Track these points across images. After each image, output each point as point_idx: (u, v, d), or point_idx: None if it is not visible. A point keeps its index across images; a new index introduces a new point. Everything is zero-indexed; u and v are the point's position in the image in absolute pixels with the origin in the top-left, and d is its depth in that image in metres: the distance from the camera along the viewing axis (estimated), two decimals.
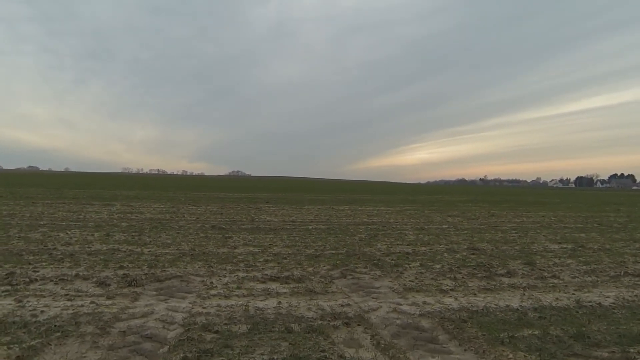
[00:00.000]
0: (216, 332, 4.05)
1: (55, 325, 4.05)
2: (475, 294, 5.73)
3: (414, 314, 4.87)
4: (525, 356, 3.42)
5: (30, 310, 4.47)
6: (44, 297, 4.99)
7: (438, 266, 7.53)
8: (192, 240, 9.70)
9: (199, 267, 6.89)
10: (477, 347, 3.82)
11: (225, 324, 4.28)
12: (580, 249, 9.87)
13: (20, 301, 4.77)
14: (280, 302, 5.14)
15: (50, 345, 3.63)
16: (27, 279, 5.73)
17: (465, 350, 3.84)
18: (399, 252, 8.77)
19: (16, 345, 3.50)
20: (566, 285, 6.31)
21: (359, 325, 4.42)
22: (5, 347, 3.47)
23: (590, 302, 5.43)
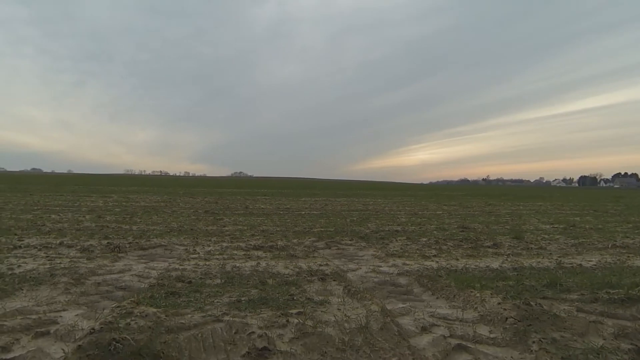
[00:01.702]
0: (189, 282, 4.06)
1: (30, 277, 4.07)
2: (457, 259, 5.72)
3: (392, 273, 4.86)
4: (491, 294, 3.40)
5: (7, 266, 4.50)
6: (24, 258, 5.02)
7: (424, 239, 7.51)
8: (183, 220, 9.73)
9: (185, 239, 6.91)
10: (448, 293, 3.81)
11: (200, 278, 4.29)
12: (571, 227, 9.82)
13: None
14: (259, 263, 5.15)
15: (22, 290, 3.65)
16: (11, 246, 5.76)
17: (437, 298, 3.84)
18: (388, 230, 8.76)
19: None
20: (550, 254, 6.29)
21: (334, 280, 4.42)
22: None
23: (571, 264, 5.41)
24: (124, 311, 2.78)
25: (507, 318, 2.90)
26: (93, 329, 2.49)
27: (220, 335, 2.65)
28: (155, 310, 2.87)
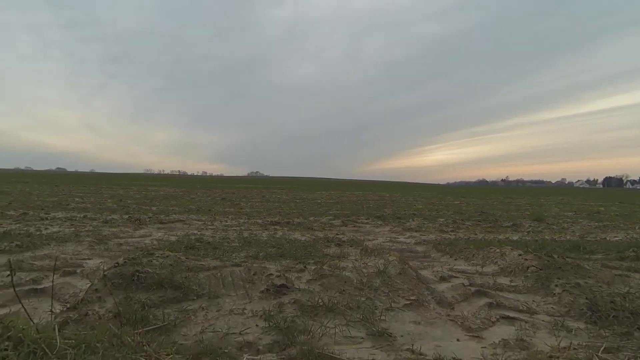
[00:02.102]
0: (207, 242, 4.13)
1: (57, 236, 4.22)
2: (475, 234, 5.62)
3: (409, 242, 4.83)
4: (511, 249, 3.33)
5: (35, 229, 4.68)
6: (51, 226, 5.20)
7: (442, 219, 7.43)
8: (201, 204, 9.88)
9: (203, 217, 7.02)
10: (467, 254, 3.76)
11: (218, 241, 4.36)
12: (595, 214, 9.52)
13: (27, 226, 4.99)
14: (276, 232, 5.19)
15: (50, 245, 3.79)
16: (39, 218, 5.98)
17: (455, 259, 3.79)
18: (404, 213, 8.69)
19: (17, 241, 3.67)
20: (573, 232, 6.11)
21: (351, 246, 4.41)
22: (7, 243, 3.64)
23: (595, 239, 5.24)
24: (146, 252, 2.85)
25: (528, 267, 2.84)
26: (117, 263, 2.57)
27: (239, 275, 2.69)
28: (176, 253, 2.93)
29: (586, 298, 2.34)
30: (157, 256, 2.83)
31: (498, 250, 3.32)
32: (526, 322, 2.08)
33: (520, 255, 3.03)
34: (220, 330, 1.91)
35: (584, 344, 1.79)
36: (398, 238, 5.12)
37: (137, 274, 2.42)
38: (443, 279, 2.94)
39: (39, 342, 1.23)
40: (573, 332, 1.95)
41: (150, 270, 2.49)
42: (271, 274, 2.73)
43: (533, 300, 2.49)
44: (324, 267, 2.84)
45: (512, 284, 2.78)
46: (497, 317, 2.16)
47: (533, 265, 2.83)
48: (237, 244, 4.22)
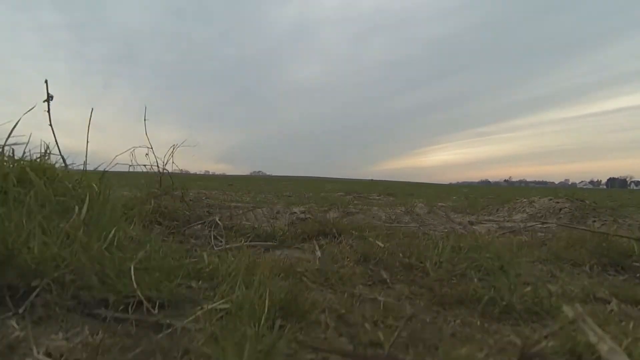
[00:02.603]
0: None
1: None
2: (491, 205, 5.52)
3: (425, 208, 4.74)
4: (540, 197, 3.23)
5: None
6: None
7: (454, 197, 7.33)
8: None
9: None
10: (491, 210, 3.67)
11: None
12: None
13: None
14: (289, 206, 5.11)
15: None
16: None
17: (478, 216, 3.69)
18: (414, 194, 8.60)
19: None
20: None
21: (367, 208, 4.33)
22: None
23: None
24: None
25: (560, 209, 2.74)
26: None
27: (262, 213, 2.62)
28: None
29: (628, 225, 2.24)
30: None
31: (525, 200, 3.22)
32: None
33: (551, 199, 2.93)
34: None
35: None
36: (414, 208, 5.04)
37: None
38: (471, 223, 2.84)
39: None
40: None
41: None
42: (294, 212, 2.65)
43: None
44: (350, 206, 2.76)
45: (545, 226, 2.68)
46: None
47: (566, 207, 2.73)
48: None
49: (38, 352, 0.53)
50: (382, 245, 1.21)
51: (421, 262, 1.06)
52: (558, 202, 2.84)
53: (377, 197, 6.94)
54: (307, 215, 2.51)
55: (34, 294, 0.70)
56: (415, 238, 1.58)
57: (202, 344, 0.59)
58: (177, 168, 2.56)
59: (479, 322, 0.79)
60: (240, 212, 2.37)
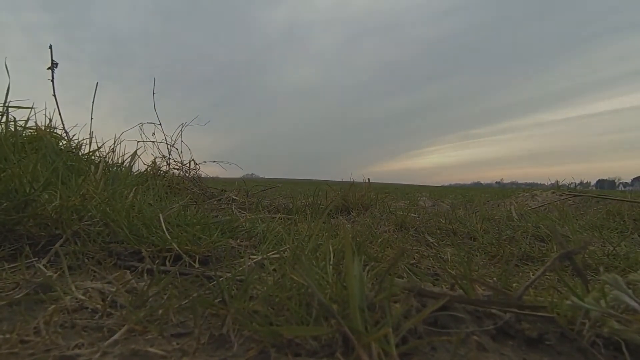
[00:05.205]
0: None
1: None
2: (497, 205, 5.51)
3: (424, 206, 4.70)
4: (541, 192, 3.20)
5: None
6: None
7: (452, 196, 7.32)
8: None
9: None
10: (491, 206, 3.63)
11: None
12: None
13: None
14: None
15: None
16: None
17: (478, 211, 3.66)
18: (412, 194, 8.58)
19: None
20: None
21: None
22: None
23: None
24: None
25: (565, 202, 2.71)
26: None
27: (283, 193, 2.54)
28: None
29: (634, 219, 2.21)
30: None
31: (527, 194, 3.19)
32: None
33: (554, 192, 2.90)
34: None
35: None
36: (417, 202, 4.99)
37: None
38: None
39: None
40: None
41: None
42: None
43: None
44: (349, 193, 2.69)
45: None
46: None
47: (570, 200, 2.70)
48: None
49: (78, 292, 0.45)
50: (415, 215, 1.14)
51: (464, 229, 0.99)
52: (561, 196, 2.81)
53: (375, 196, 6.90)
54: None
55: (58, 243, 0.61)
56: (441, 215, 1.51)
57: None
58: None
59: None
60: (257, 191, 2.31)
